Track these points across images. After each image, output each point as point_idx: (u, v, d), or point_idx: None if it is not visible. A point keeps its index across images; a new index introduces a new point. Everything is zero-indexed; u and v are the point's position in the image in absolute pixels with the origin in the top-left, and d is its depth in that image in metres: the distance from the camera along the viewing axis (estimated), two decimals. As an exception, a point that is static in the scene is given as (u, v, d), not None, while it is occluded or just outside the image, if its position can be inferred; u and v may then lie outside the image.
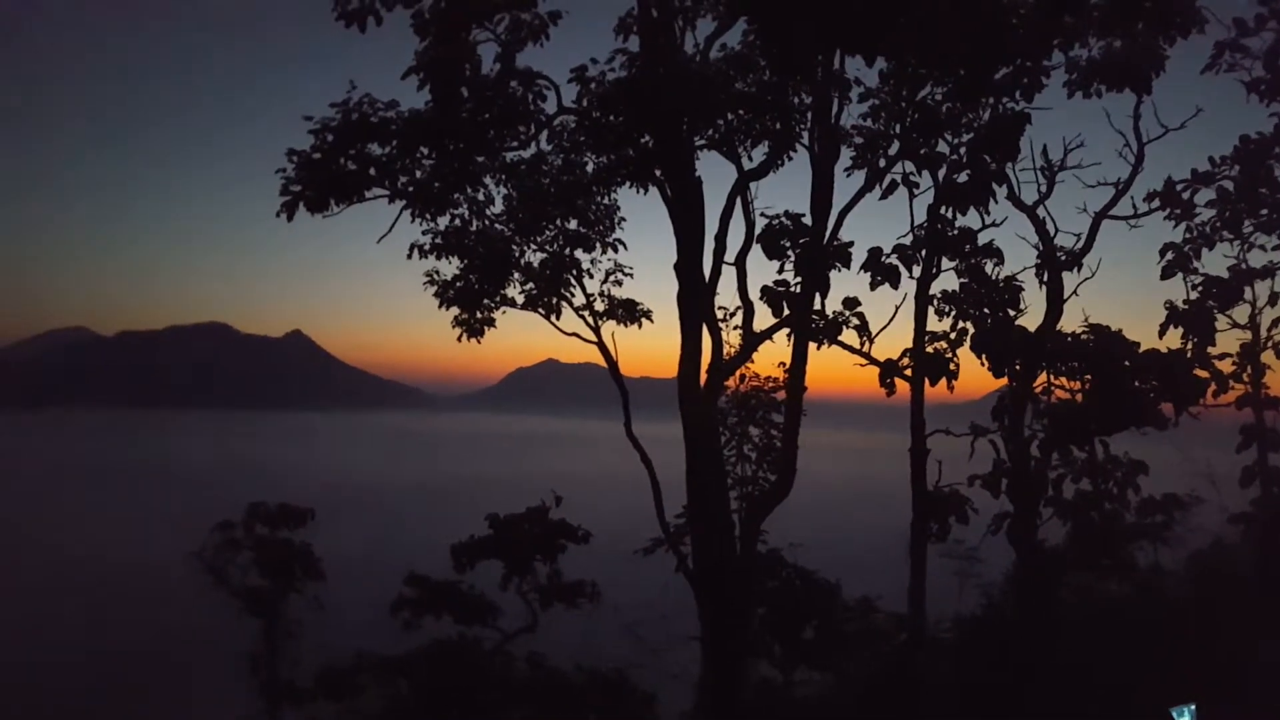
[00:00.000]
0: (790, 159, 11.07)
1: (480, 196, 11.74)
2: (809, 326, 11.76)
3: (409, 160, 10.72)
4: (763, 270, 11.65)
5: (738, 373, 12.59)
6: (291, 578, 15.15)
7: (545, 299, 12.57)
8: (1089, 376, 13.46)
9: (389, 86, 10.65)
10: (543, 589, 13.92)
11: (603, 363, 12.64)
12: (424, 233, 11.76)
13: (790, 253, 12.00)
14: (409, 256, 11.74)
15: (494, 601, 13.92)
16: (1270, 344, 13.31)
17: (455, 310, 12.36)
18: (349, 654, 13.48)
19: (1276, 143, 11.62)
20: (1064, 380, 13.71)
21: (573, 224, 12.33)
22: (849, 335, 12.50)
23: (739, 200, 11.38)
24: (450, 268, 12.11)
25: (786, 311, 11.87)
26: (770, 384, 13.15)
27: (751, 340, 11.50)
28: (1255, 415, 13.76)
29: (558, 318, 12.67)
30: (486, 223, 12.08)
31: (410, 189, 10.88)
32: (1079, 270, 12.87)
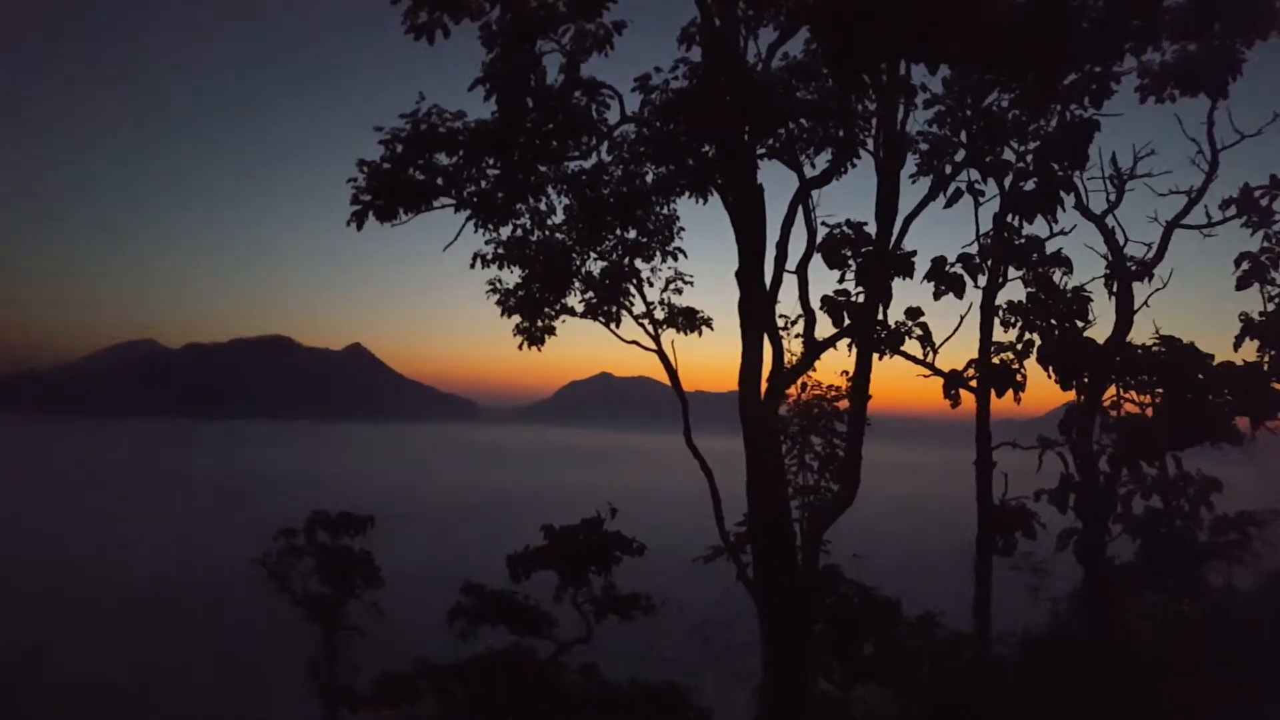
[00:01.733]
0: (854, 166, 10.99)
1: (542, 206, 11.86)
2: (871, 337, 11.63)
3: (475, 170, 10.87)
4: (825, 278, 11.58)
5: (799, 381, 12.48)
6: (351, 584, 15.33)
7: (605, 307, 12.61)
8: (1160, 390, 13.12)
9: (457, 97, 10.84)
10: (597, 600, 13.86)
11: (656, 376, 12.61)
12: (487, 242, 11.92)
13: (851, 262, 11.90)
14: (472, 266, 11.89)
15: (549, 612, 13.89)
16: (1353, 357, 12.78)
17: (516, 319, 12.47)
18: (406, 661, 13.55)
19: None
20: (1134, 394, 13.40)
21: (632, 234, 12.37)
22: (912, 346, 12.34)
23: (800, 208, 11.31)
24: (512, 277, 12.25)
25: (847, 321, 11.76)
26: (833, 393, 13.01)
27: (813, 349, 11.39)
28: (1335, 431, 13.22)
29: (617, 326, 12.69)
30: (547, 233, 12.18)
31: (475, 199, 11.03)
32: (1149, 281, 12.61)
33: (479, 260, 11.88)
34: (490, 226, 11.53)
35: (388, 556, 16.08)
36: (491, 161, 10.83)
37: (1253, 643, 11.75)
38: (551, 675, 13.43)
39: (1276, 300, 12.76)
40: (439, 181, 10.76)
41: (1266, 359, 12.69)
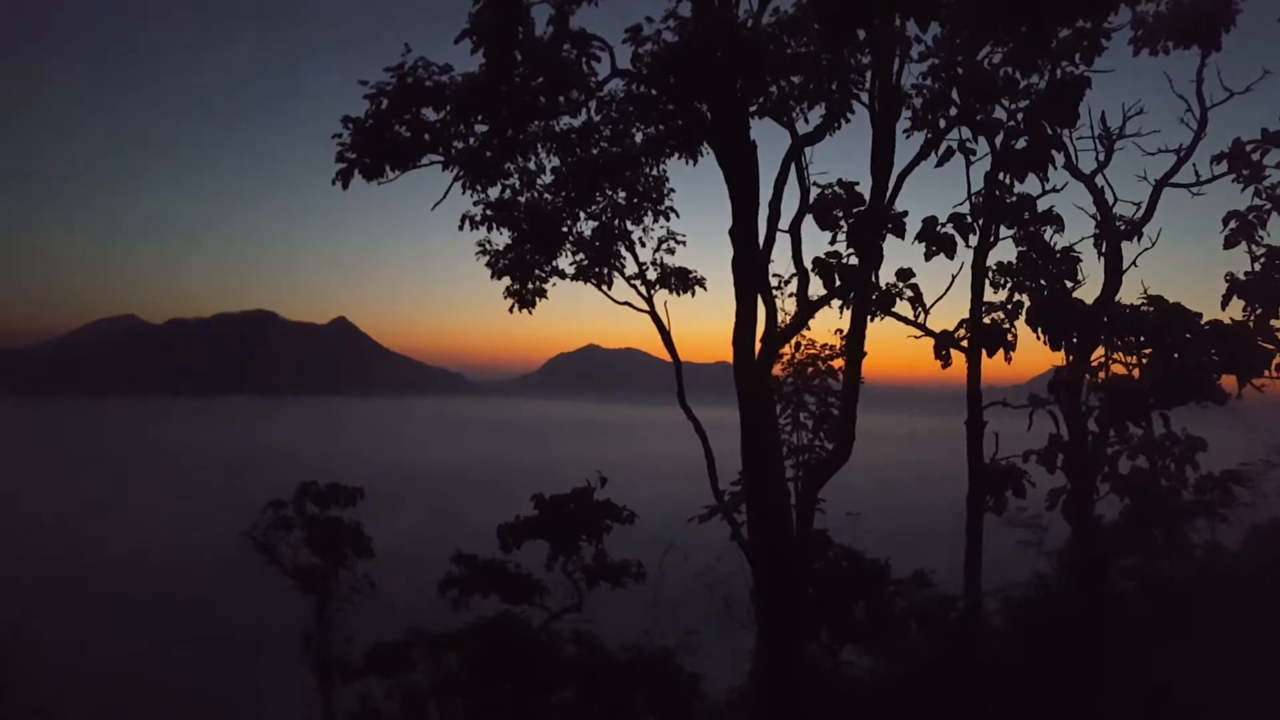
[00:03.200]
0: (847, 121, 10.88)
1: (531, 166, 11.65)
2: (864, 298, 11.58)
3: (463, 126, 10.65)
4: (820, 236, 11.48)
5: (793, 340, 12.42)
6: (342, 555, 15.24)
7: (596, 269, 12.47)
8: (1148, 350, 13.18)
9: (444, 50, 10.59)
10: (588, 569, 13.84)
11: (644, 347, 12.61)
12: (475, 203, 11.72)
13: (843, 223, 11.82)
14: (460, 227, 11.69)
15: (540, 580, 13.86)
16: (1338, 315, 12.89)
17: (506, 281, 12.30)
18: (399, 632, 13.48)
19: (1354, 99, 11.31)
20: (1121, 354, 13.45)
21: (622, 195, 12.21)
22: (903, 307, 12.32)
23: (793, 166, 11.21)
24: (502, 238, 12.07)
25: (839, 283, 11.70)
26: (826, 351, 12.97)
27: (806, 308, 11.33)
28: (1320, 389, 13.35)
29: (609, 288, 12.56)
30: (536, 193, 11.99)
31: (463, 156, 10.82)
32: (1138, 240, 12.64)
33: (467, 222, 11.69)
34: (479, 187, 11.34)
35: (378, 529, 15.96)
36: (479, 118, 10.62)
37: (1234, 597, 11.91)
38: (544, 642, 13.40)
39: (1263, 259, 12.82)
40: (426, 138, 10.53)
41: (1253, 318, 12.76)
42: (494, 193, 11.74)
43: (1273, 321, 13.08)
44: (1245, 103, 11.95)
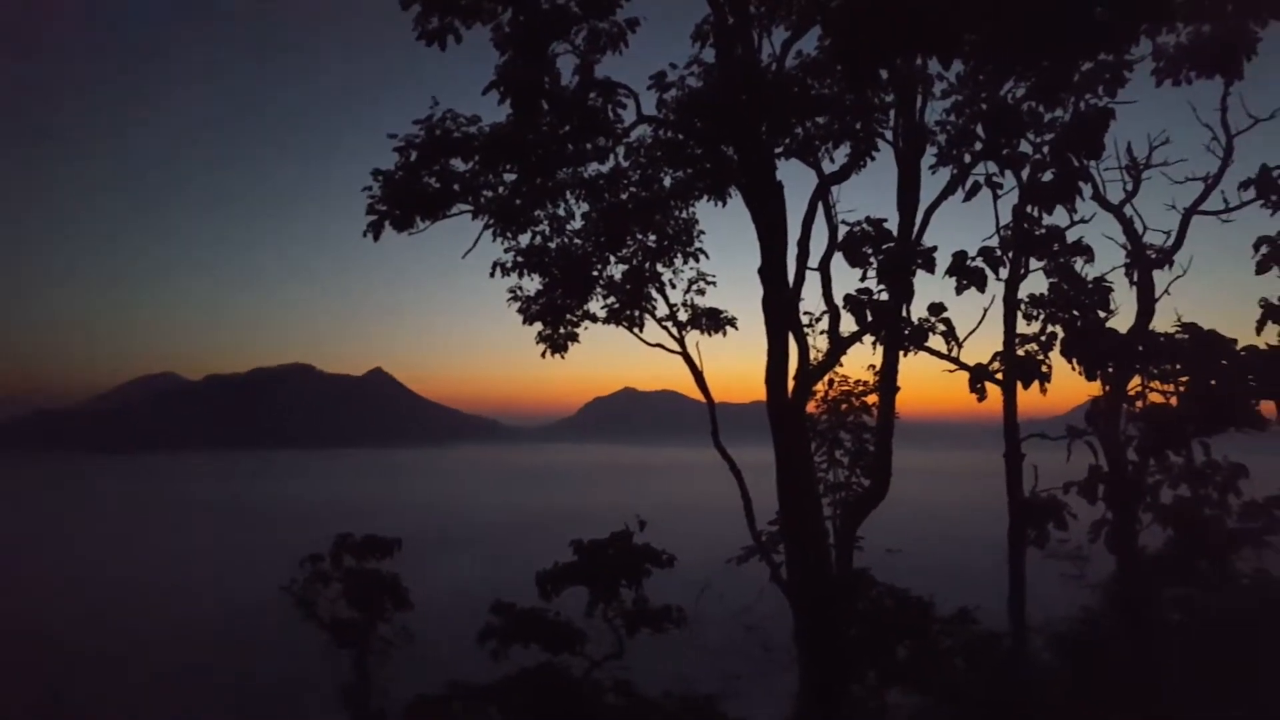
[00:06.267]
0: (872, 159, 10.97)
1: (560, 212, 11.80)
2: (895, 334, 11.56)
3: (491, 175, 10.82)
4: (848, 273, 11.52)
5: (826, 378, 12.39)
6: (380, 608, 15.11)
7: (628, 312, 12.53)
8: (1184, 378, 13.04)
9: (471, 102, 10.81)
10: (628, 615, 13.64)
11: (680, 389, 12.63)
12: (506, 250, 11.86)
13: (872, 260, 11.85)
14: (492, 275, 11.82)
15: (580, 628, 13.66)
16: (1376, 337, 12.73)
17: (539, 327, 12.38)
18: (439, 684, 13.29)
19: (1381, 122, 11.27)
20: (1158, 383, 13.30)
21: (652, 238, 12.32)
22: (936, 341, 12.26)
23: (820, 205, 11.29)
24: (533, 284, 12.18)
25: (870, 319, 11.70)
26: (860, 388, 12.92)
27: (838, 345, 11.32)
28: (1362, 412, 13.13)
29: (640, 330, 12.61)
30: (566, 239, 12.12)
31: (493, 205, 10.98)
32: (1170, 268, 12.57)
33: (499, 269, 11.81)
34: (509, 234, 11.49)
35: (417, 580, 15.85)
36: (508, 166, 10.79)
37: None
38: (585, 692, 13.18)
39: (1297, 282, 12.70)
40: (455, 188, 10.71)
41: (1290, 342, 12.59)
42: (524, 239, 11.92)
43: (1310, 345, 12.96)
44: (1271, 129, 11.92)
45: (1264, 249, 12.85)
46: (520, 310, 12.25)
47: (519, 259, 11.85)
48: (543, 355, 12.24)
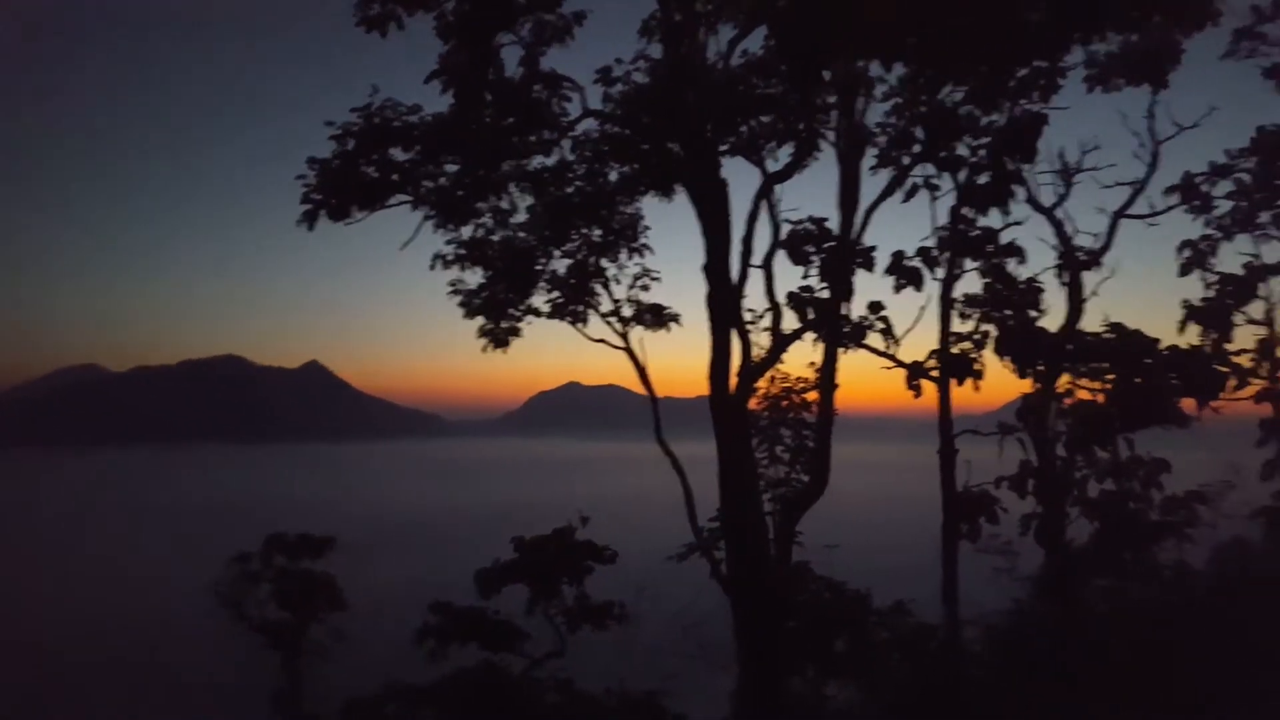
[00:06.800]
0: (815, 159, 11.09)
1: (504, 205, 11.65)
2: (835, 331, 11.72)
3: (432, 166, 10.63)
4: (790, 271, 11.64)
5: (768, 374, 12.49)
6: (313, 609, 14.72)
7: (571, 307, 12.44)
8: (1111, 376, 13.51)
9: (413, 92, 10.59)
10: (570, 612, 13.54)
11: (625, 383, 12.51)
12: (447, 243, 11.66)
13: (814, 258, 12.01)
14: (432, 267, 11.63)
15: (520, 627, 13.52)
16: (1287, 338, 13.41)
17: (480, 321, 12.21)
18: (375, 686, 13.00)
19: (1295, 133, 11.83)
20: (1086, 380, 13.75)
21: (597, 232, 12.24)
22: (874, 339, 12.50)
23: (764, 203, 11.36)
24: (475, 278, 12.00)
25: (812, 316, 11.86)
26: (800, 385, 13.06)
27: (780, 342, 11.42)
28: (1274, 409, 13.81)
29: (584, 325, 12.53)
30: (510, 232, 11.97)
31: (434, 196, 10.78)
32: (1098, 270, 12.98)
33: (439, 261, 11.62)
34: (450, 226, 11.29)
35: (353, 580, 15.49)
36: (450, 157, 10.61)
37: (1202, 616, 12.10)
38: (525, 690, 13.05)
39: (1216, 286, 13.28)
40: (395, 178, 10.49)
41: (1209, 342, 13.16)
42: (466, 232, 11.73)
43: (1227, 345, 13.59)
44: (1195, 137, 12.41)
45: (1187, 252, 13.44)
46: (462, 304, 12.07)
47: (461, 251, 11.68)
48: (484, 350, 12.09)
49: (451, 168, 10.73)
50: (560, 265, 12.39)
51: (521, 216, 11.86)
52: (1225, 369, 13.40)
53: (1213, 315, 13.22)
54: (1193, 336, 13.33)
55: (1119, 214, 12.68)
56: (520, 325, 12.41)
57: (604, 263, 12.42)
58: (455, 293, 12.04)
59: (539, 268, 12.19)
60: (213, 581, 15.15)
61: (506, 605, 13.58)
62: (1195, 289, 13.45)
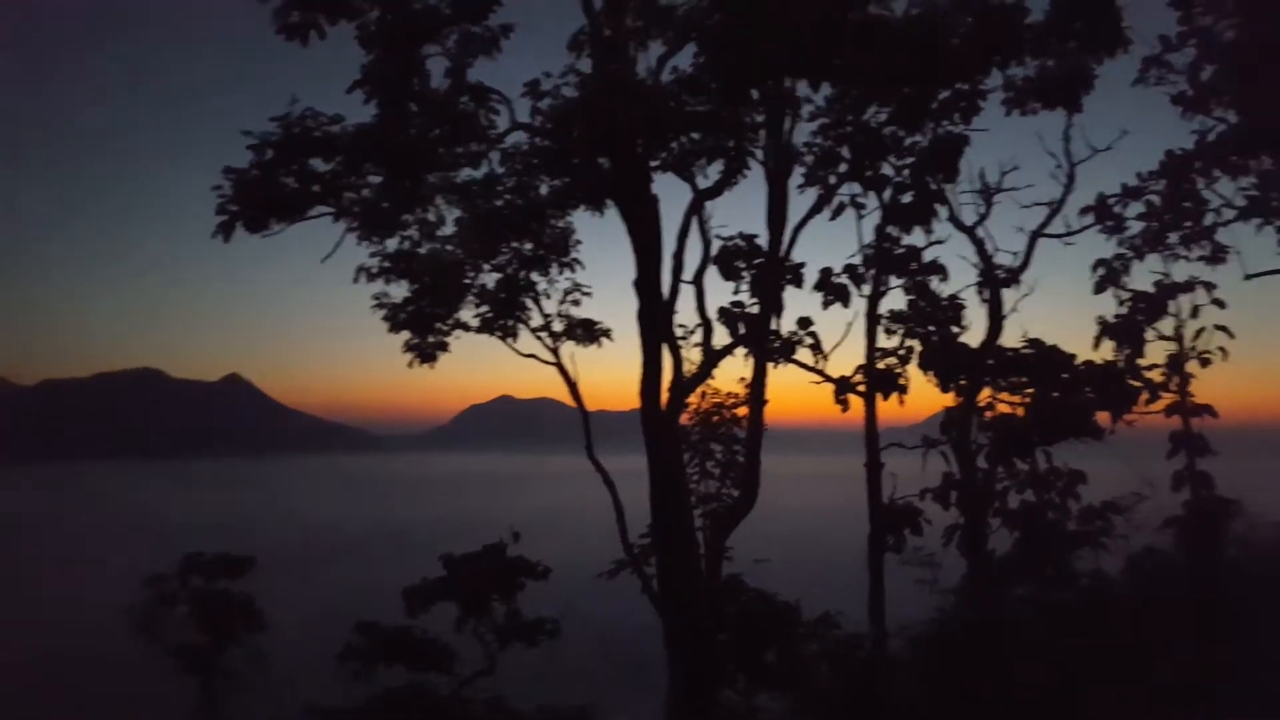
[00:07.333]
0: (744, 177, 11.18)
1: (430, 217, 11.44)
2: (766, 346, 11.83)
3: (355, 177, 10.40)
4: (721, 287, 11.71)
5: (699, 390, 12.54)
6: (231, 631, 14.19)
7: (501, 321, 12.30)
8: (1030, 390, 13.91)
9: (335, 102, 10.35)
10: (500, 629, 13.36)
11: (559, 397, 12.40)
12: (371, 255, 11.42)
13: (745, 274, 12.10)
14: (355, 280, 11.37)
15: (449, 645, 13.29)
16: (1194, 354, 13.96)
17: (406, 335, 11.98)
18: (296, 710, 12.62)
19: (1198, 157, 12.33)
20: (1006, 394, 14.13)
21: (528, 246, 12.13)
22: (804, 354, 12.63)
23: (695, 219, 11.41)
24: (401, 291, 11.77)
25: (743, 331, 11.94)
26: (731, 400, 13.14)
27: (711, 358, 11.47)
28: (1183, 422, 14.36)
29: (514, 340, 12.40)
30: (438, 245, 11.78)
31: (357, 208, 10.55)
32: (1017, 287, 13.34)
33: (363, 274, 11.37)
34: (374, 238, 11.07)
35: (277, 600, 14.99)
36: (374, 168, 10.39)
37: (1119, 622, 12.51)
38: (453, 710, 12.81)
39: (1128, 303, 13.78)
40: (316, 189, 10.23)
41: (1122, 358, 13.64)
42: (392, 244, 11.49)
43: (1139, 360, 14.11)
44: (1109, 159, 12.82)
45: (1101, 271, 13.91)
46: (386, 318, 11.82)
47: (385, 264, 11.44)
48: (409, 365, 11.86)
49: (375, 179, 10.50)
50: (489, 279, 12.26)
51: (449, 229, 11.69)
52: (1138, 383, 13.93)
53: (1126, 331, 13.70)
54: (1107, 352, 13.80)
55: (1037, 233, 13.05)
56: (448, 340, 12.23)
57: (534, 277, 12.32)
58: (380, 306, 11.81)
59: (467, 281, 12.03)
60: (125, 604, 14.51)
61: (436, 624, 13.35)
62: (1109, 306, 13.92)
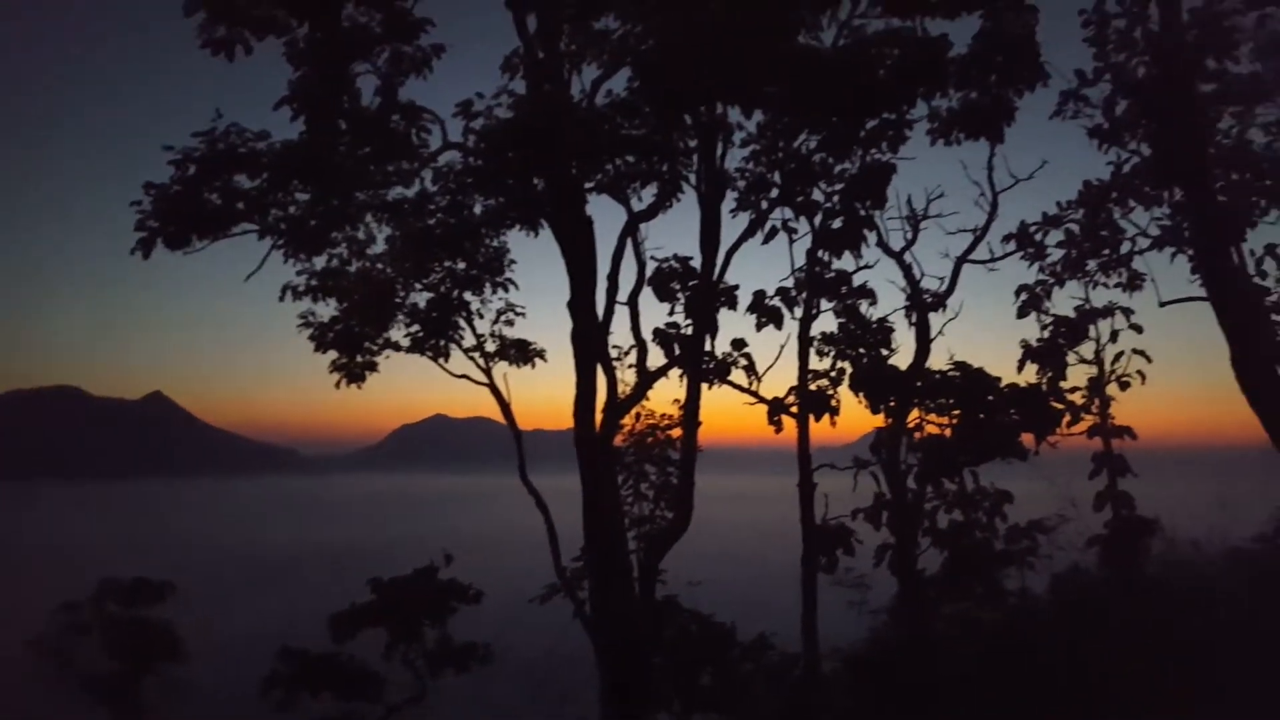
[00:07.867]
0: (678, 200, 11.27)
1: (360, 235, 11.28)
2: (700, 367, 11.90)
3: (281, 194, 10.20)
4: (656, 309, 11.75)
5: (633, 411, 12.53)
6: (148, 660, 13.61)
7: (432, 341, 12.14)
8: (956, 411, 14.22)
9: (260, 117, 10.16)
10: (431, 655, 13.09)
11: (494, 416, 12.26)
12: (299, 273, 11.19)
13: (680, 295, 12.18)
14: (281, 299, 11.11)
15: (378, 673, 12.97)
16: (1114, 377, 14.43)
17: (333, 355, 11.74)
18: (215, 742, 12.15)
19: (1114, 188, 12.83)
20: (934, 416, 14.42)
21: (461, 265, 12.03)
22: (738, 375, 12.73)
23: (629, 241, 11.46)
24: (328, 309, 11.54)
25: (678, 352, 12.00)
26: (666, 421, 13.16)
27: (645, 379, 11.49)
28: (1103, 443, 14.80)
29: (445, 360, 12.24)
30: (367, 263, 11.60)
31: (283, 225, 10.34)
32: (944, 311, 13.68)
33: (289, 292, 11.12)
34: (301, 256, 10.85)
35: (198, 626, 14.45)
36: (301, 186, 10.21)
37: (1044, 638, 12.79)
38: (380, 741, 12.51)
39: (1050, 328, 14.20)
40: (240, 205, 10.00)
41: (1045, 380, 14.04)
42: (320, 262, 11.29)
43: (1061, 383, 14.55)
44: (1030, 188, 13.27)
45: (1023, 296, 14.32)
46: (313, 338, 11.58)
47: (313, 283, 11.22)
48: (337, 385, 11.61)
49: (303, 196, 10.32)
50: (421, 298, 12.12)
51: (380, 248, 11.53)
52: (1060, 405, 14.34)
53: (1048, 355, 14.08)
54: (1030, 375, 14.15)
55: (962, 259, 13.41)
56: (377, 359, 12.03)
57: (468, 296, 12.21)
58: (306, 325, 11.56)
59: (398, 300, 11.87)
60: (35, 632, 13.82)
61: (365, 650, 13.03)
62: (1032, 330, 14.29)
